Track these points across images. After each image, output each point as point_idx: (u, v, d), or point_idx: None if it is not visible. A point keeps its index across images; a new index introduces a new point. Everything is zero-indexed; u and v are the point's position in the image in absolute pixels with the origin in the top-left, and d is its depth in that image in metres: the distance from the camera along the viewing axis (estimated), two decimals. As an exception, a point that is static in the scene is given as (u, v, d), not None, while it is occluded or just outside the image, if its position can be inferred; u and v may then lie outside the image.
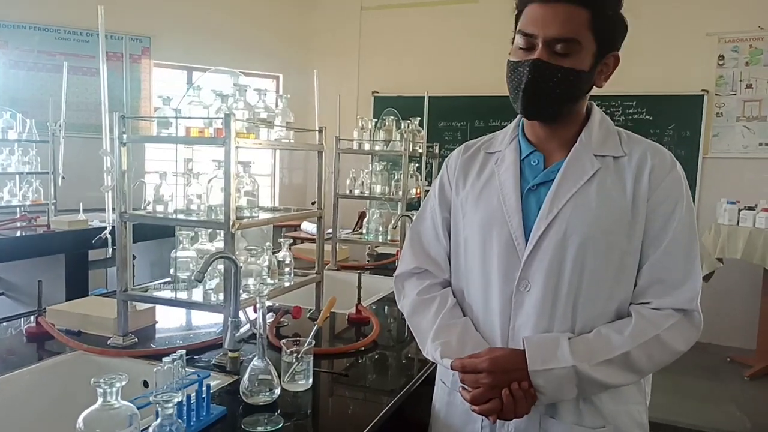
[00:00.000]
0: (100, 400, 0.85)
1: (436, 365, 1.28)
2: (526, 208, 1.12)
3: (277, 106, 1.76)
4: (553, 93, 1.05)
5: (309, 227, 4.74)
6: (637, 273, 1.09)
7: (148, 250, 3.68)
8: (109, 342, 1.55)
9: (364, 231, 2.96)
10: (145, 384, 1.39)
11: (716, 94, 4.82)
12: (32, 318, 1.71)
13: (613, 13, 1.05)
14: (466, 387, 1.07)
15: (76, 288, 3.21)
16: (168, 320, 1.83)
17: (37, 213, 3.65)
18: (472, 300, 1.18)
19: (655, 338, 1.04)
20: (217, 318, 1.84)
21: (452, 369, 1.08)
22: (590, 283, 1.07)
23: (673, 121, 4.91)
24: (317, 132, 1.89)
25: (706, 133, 4.83)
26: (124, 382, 0.86)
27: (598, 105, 1.19)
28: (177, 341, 1.63)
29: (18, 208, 3.69)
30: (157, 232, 2.94)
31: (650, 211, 1.08)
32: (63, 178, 3.70)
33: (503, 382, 1.03)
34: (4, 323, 1.80)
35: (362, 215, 3.87)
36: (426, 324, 1.19)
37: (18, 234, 3.37)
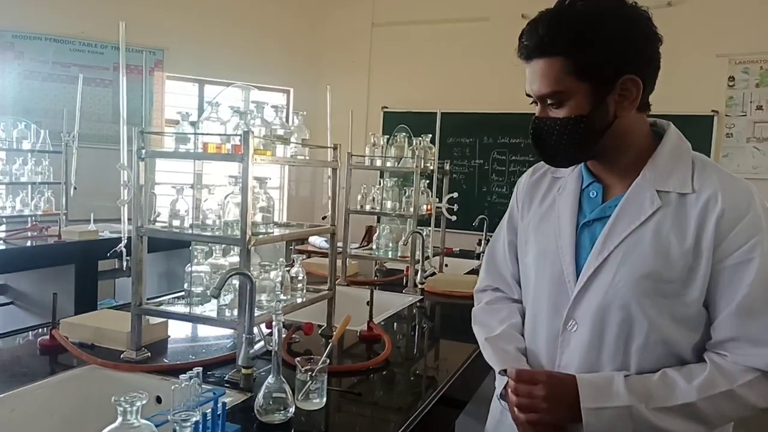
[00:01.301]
0: (119, 419, 0.85)
1: (458, 385, 1.30)
2: (580, 244, 1.08)
3: (292, 122, 1.78)
4: (559, 144, 1.03)
5: (317, 240, 4.73)
6: (712, 324, 1.01)
7: (156, 262, 3.69)
8: (122, 356, 1.55)
9: (374, 247, 2.95)
10: (158, 399, 1.39)
11: (726, 115, 4.82)
12: (43, 330, 1.72)
13: (600, 44, 0.97)
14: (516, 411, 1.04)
15: (85, 298, 3.22)
16: (177, 333, 1.82)
17: (47, 223, 3.67)
18: (527, 323, 1.19)
19: (727, 392, 0.96)
20: (226, 331, 1.84)
21: (506, 375, 1.06)
22: (641, 329, 1.00)
23: (682, 140, 4.91)
24: (332, 149, 1.90)
25: (716, 153, 4.83)
26: (144, 401, 0.86)
27: None
28: (189, 356, 1.63)
29: (29, 218, 3.72)
30: (166, 245, 2.96)
31: (718, 260, 0.98)
32: (75, 188, 3.73)
33: (557, 398, 0.99)
34: (17, 335, 1.80)
35: (369, 230, 3.87)
36: (493, 323, 1.22)
37: (29, 243, 3.39)
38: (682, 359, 1.02)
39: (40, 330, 1.80)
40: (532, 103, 1.06)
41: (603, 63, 0.98)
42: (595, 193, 1.10)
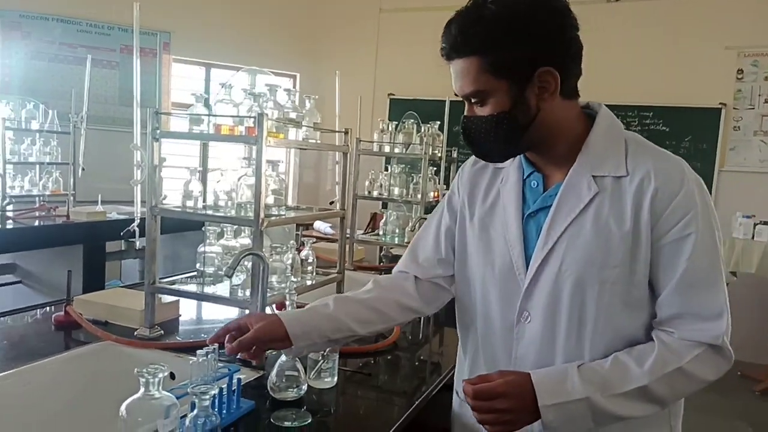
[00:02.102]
0: (141, 390, 0.87)
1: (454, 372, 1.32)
2: (527, 235, 1.08)
3: (304, 106, 1.79)
4: (487, 141, 1.04)
5: (322, 226, 4.75)
6: (656, 302, 1.02)
7: (161, 245, 3.70)
8: (135, 333, 1.58)
9: (381, 232, 2.97)
10: (172, 376, 1.41)
11: (734, 108, 4.81)
12: (53, 307, 1.74)
13: (510, 41, 0.97)
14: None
15: (94, 279, 3.24)
16: (187, 313, 1.85)
17: (55, 203, 3.70)
18: (478, 317, 1.17)
19: (677, 370, 0.97)
20: (235, 312, 1.86)
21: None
22: (592, 316, 1.02)
23: (689, 133, 4.91)
24: (343, 133, 1.91)
25: (723, 146, 4.83)
26: (166, 373, 0.88)
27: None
28: (201, 334, 1.66)
29: (37, 198, 3.74)
30: (171, 228, 2.96)
31: (657, 239, 0.99)
32: (83, 169, 3.75)
33: (520, 406, 0.96)
34: (27, 312, 1.82)
35: (374, 217, 3.89)
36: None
37: (37, 223, 3.41)
38: (633, 341, 1.03)
39: (49, 308, 1.83)
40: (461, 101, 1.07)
41: (515, 59, 0.97)
42: (536, 183, 1.10)
